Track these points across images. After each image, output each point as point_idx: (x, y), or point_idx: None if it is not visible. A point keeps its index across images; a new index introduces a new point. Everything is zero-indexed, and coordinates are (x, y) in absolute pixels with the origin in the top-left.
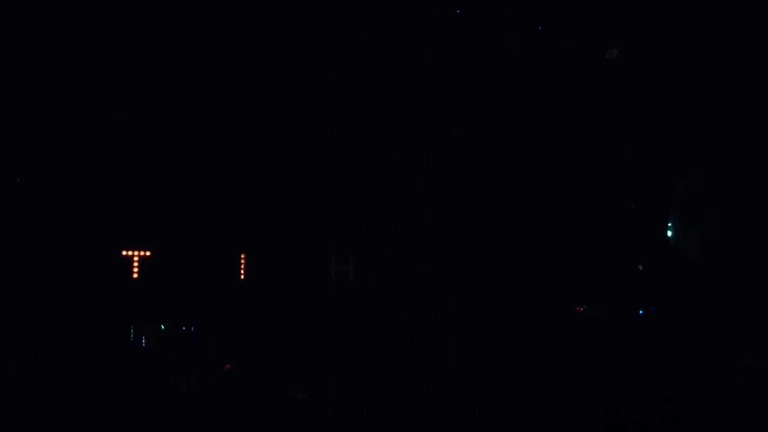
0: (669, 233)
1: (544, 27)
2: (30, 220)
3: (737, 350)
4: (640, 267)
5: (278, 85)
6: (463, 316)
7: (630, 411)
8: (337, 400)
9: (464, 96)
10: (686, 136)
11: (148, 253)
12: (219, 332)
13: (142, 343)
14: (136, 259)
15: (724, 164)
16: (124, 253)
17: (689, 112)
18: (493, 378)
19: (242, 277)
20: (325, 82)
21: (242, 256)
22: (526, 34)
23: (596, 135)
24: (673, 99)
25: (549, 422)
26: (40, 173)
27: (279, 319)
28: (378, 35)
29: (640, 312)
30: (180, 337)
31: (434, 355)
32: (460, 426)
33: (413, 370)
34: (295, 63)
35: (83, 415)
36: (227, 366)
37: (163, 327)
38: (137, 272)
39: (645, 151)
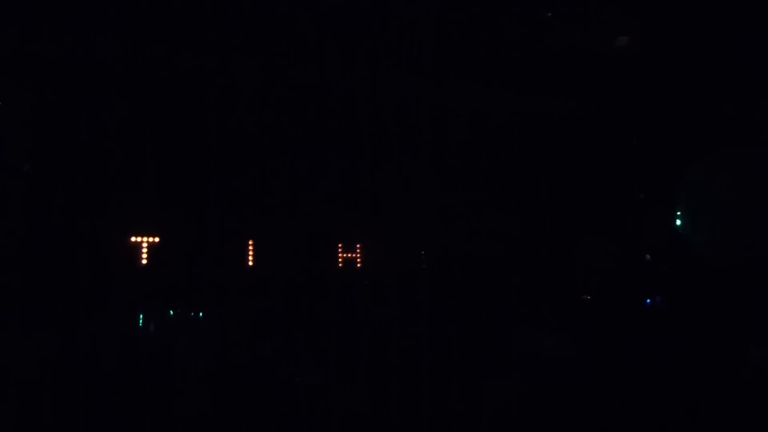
0: (677, 222)
1: (554, 14)
2: (37, 207)
3: (743, 340)
4: (648, 256)
5: (284, 72)
6: (469, 305)
7: (635, 401)
8: (343, 386)
9: (471, 84)
10: (695, 126)
11: (156, 239)
12: (226, 318)
13: (150, 328)
14: (144, 245)
15: (733, 155)
16: (132, 239)
17: (699, 101)
18: (497, 365)
19: (250, 263)
20: (330, 71)
21: (250, 242)
22: (536, 21)
23: (604, 124)
24: (683, 88)
25: (550, 408)
26: (48, 160)
27: (285, 305)
28: (382, 23)
29: (647, 301)
30: (188, 322)
31: (439, 343)
32: (462, 413)
33: (418, 356)
34: (299, 52)
35: (90, 400)
36: None
37: (171, 313)
38: (146, 258)
39: (653, 141)
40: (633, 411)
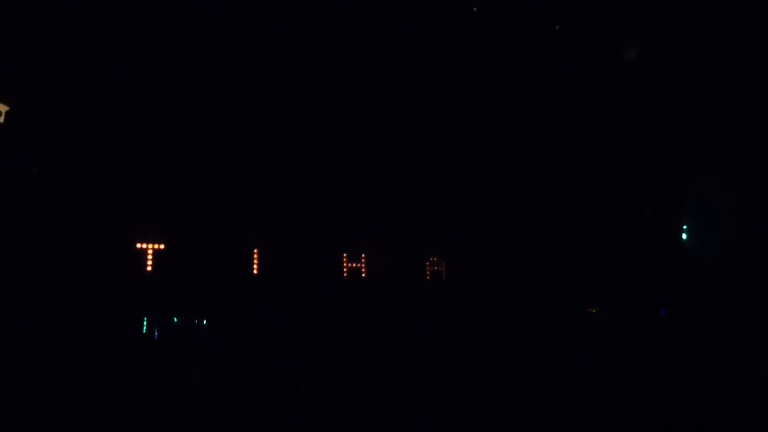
0: (684, 236)
1: (562, 26)
2: (44, 212)
3: (751, 351)
4: (654, 268)
5: (291, 83)
6: (472, 312)
7: (642, 411)
8: (348, 393)
9: (480, 94)
10: (703, 139)
11: (162, 246)
12: (231, 326)
13: (154, 335)
14: (150, 252)
15: (740, 167)
16: (138, 245)
17: (706, 113)
18: (497, 373)
19: (255, 272)
20: (336, 79)
21: (255, 251)
22: (544, 33)
23: (611, 135)
24: (691, 99)
25: (556, 417)
26: (56, 164)
27: (290, 313)
28: (389, 31)
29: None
30: (192, 330)
31: (441, 351)
32: (463, 417)
33: (420, 364)
34: (306, 62)
35: (95, 406)
36: None
37: (176, 320)
38: (151, 265)
39: (660, 152)
40: (639, 420)
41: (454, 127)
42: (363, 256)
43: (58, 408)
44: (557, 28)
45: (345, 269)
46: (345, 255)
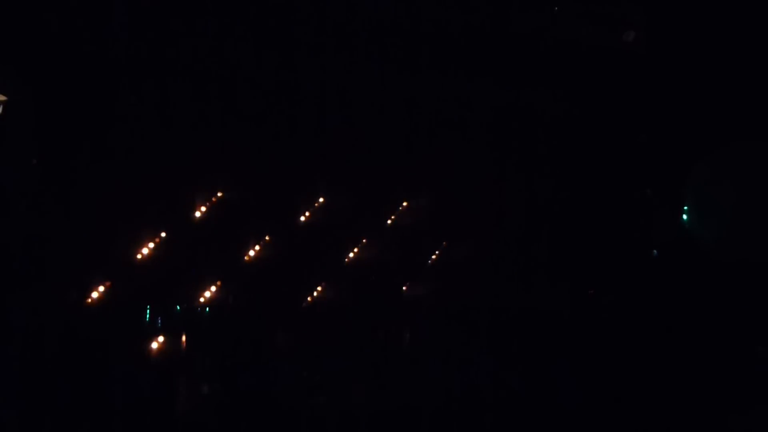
0: (684, 218)
1: (561, 8)
2: (46, 199)
3: (751, 338)
4: (655, 252)
5: (283, 80)
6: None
7: (643, 398)
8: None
9: (478, 80)
10: (703, 123)
11: (164, 235)
12: (233, 314)
13: (157, 323)
14: (154, 240)
15: (740, 151)
16: (141, 233)
17: (707, 98)
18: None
19: (254, 262)
20: (331, 68)
21: (256, 241)
22: (543, 16)
23: (612, 120)
24: (691, 84)
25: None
26: (64, 151)
27: (291, 305)
28: (387, 19)
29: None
30: (195, 318)
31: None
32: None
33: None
34: (298, 50)
35: (100, 390)
36: None
37: (178, 308)
38: (155, 253)
39: (661, 137)
40: (641, 407)
41: (456, 115)
42: (365, 241)
43: (60, 393)
44: (556, 9)
45: (347, 257)
46: (347, 243)
